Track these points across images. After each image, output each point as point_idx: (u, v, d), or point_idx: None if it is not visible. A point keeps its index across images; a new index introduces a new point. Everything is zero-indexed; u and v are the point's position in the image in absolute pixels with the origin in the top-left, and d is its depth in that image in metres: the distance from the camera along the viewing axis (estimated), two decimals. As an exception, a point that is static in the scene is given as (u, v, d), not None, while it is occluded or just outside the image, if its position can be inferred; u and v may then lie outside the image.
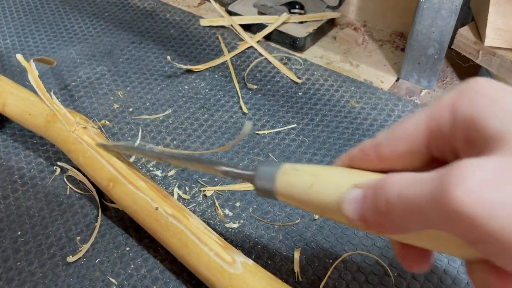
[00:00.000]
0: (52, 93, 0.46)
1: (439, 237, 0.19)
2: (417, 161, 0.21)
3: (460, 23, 0.58)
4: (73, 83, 0.61)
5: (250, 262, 0.36)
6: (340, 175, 0.22)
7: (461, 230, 0.15)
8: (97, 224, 0.44)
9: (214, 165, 0.31)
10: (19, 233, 0.44)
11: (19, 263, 0.41)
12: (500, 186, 0.14)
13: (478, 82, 0.19)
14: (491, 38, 0.52)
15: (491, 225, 0.14)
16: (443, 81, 0.63)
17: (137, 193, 0.39)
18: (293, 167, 0.25)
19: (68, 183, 0.48)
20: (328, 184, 0.22)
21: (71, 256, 0.41)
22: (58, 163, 0.48)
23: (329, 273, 0.40)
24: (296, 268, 0.40)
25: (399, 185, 0.17)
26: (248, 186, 0.47)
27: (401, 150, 0.21)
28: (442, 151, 0.20)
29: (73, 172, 0.48)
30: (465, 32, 0.55)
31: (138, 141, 0.52)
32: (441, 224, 0.16)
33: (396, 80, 0.63)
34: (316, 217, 0.44)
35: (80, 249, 0.42)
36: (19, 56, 0.45)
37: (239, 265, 0.34)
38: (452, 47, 0.57)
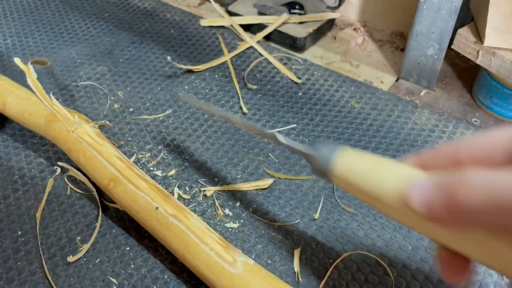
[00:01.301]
0: (51, 94, 0.46)
1: (498, 244, 0.19)
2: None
3: (460, 23, 0.58)
4: (74, 83, 0.61)
5: (251, 261, 0.36)
6: (404, 168, 0.22)
7: None
8: (97, 224, 0.44)
9: (275, 136, 0.32)
10: (19, 233, 0.44)
11: (19, 263, 0.41)
12: None
13: None
14: (491, 39, 0.52)
15: None
16: (443, 81, 0.63)
17: (137, 192, 0.39)
18: (355, 151, 0.25)
19: (68, 183, 0.48)
20: (389, 173, 0.22)
21: (71, 256, 0.41)
22: (59, 163, 0.48)
23: (329, 273, 0.40)
24: (296, 268, 0.40)
25: (482, 178, 0.17)
26: (248, 186, 0.47)
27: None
28: None
29: (73, 172, 0.48)
30: (465, 32, 0.55)
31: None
32: None
33: (396, 80, 0.63)
34: (316, 216, 0.44)
35: (80, 249, 0.42)
36: (16, 60, 0.45)
37: (240, 264, 0.34)
38: (451, 47, 0.57)
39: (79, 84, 0.61)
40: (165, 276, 0.40)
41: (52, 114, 0.45)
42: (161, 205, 0.38)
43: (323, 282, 0.39)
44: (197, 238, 0.36)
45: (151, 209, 0.38)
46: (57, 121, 0.45)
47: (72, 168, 0.48)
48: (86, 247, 0.42)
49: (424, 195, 0.19)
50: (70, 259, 0.41)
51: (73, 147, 0.43)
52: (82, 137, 0.43)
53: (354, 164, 0.24)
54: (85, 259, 0.41)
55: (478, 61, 0.54)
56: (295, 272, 0.40)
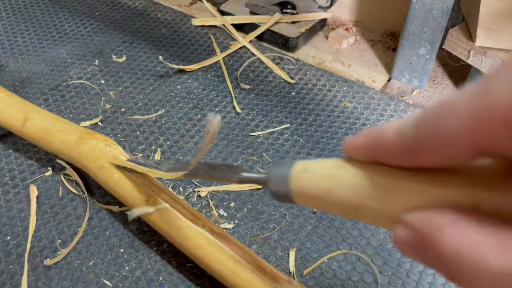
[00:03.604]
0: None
1: None
2: (456, 161, 0.17)
3: (451, 23, 0.59)
4: (64, 83, 0.60)
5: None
6: (357, 176, 0.20)
7: None
8: (90, 226, 0.43)
9: (229, 176, 0.30)
10: (11, 236, 0.43)
11: (11, 266, 0.41)
12: None
13: None
14: (482, 39, 0.53)
15: None
16: (434, 81, 0.64)
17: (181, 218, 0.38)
18: (304, 168, 0.23)
19: (64, 181, 0.47)
20: (346, 187, 0.21)
21: (64, 258, 0.41)
22: (57, 160, 0.48)
23: (324, 272, 0.40)
24: (292, 268, 0.40)
25: (457, 244, 0.15)
26: (241, 187, 0.47)
27: (439, 159, 0.17)
28: (493, 152, 0.16)
29: (70, 171, 0.47)
30: (456, 32, 0.56)
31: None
32: None
33: (388, 80, 0.64)
34: (311, 216, 0.44)
35: (73, 251, 0.41)
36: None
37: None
38: (443, 47, 0.58)
39: (70, 83, 0.60)
40: (160, 278, 0.40)
41: (86, 132, 0.44)
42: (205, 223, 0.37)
43: (318, 281, 0.39)
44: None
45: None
46: (91, 138, 0.43)
47: (69, 167, 0.47)
48: (79, 249, 0.42)
49: (406, 248, 0.18)
50: (63, 261, 0.40)
51: (106, 164, 0.41)
52: (117, 155, 0.42)
53: (311, 185, 0.22)
54: (78, 261, 0.41)
55: (469, 61, 0.55)
56: (290, 272, 0.40)
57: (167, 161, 0.40)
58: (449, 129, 0.15)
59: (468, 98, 0.14)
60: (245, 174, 0.29)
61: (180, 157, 0.50)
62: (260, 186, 0.47)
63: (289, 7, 0.71)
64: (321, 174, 0.22)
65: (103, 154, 0.42)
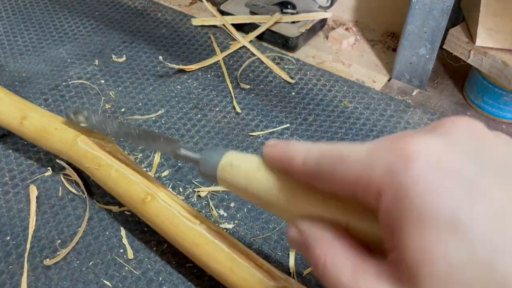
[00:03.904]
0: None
1: None
2: (341, 195, 0.21)
3: (451, 23, 0.59)
4: (64, 83, 0.60)
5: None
6: (270, 180, 0.25)
7: None
8: (90, 226, 0.43)
9: (166, 150, 0.34)
10: (10, 236, 0.43)
11: (11, 266, 0.41)
12: None
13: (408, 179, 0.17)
14: (482, 38, 0.53)
15: None
16: (435, 81, 0.64)
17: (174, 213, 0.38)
18: (230, 163, 0.28)
19: (63, 181, 0.47)
20: (259, 188, 0.25)
21: (64, 259, 0.41)
22: (57, 160, 0.48)
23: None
24: (292, 268, 0.40)
25: (325, 257, 0.20)
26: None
27: (329, 191, 0.21)
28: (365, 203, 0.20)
29: (69, 171, 0.47)
30: (456, 32, 0.56)
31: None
32: None
33: (388, 80, 0.63)
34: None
35: (73, 251, 0.41)
36: None
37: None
38: (443, 47, 0.58)
39: (69, 83, 0.60)
40: (160, 278, 0.40)
41: (84, 130, 0.44)
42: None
43: (318, 281, 0.39)
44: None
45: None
46: (88, 136, 0.43)
47: (69, 167, 0.47)
48: (79, 249, 0.41)
49: (296, 244, 0.23)
50: (63, 261, 0.40)
51: (104, 163, 0.41)
52: (114, 153, 0.42)
53: (232, 179, 0.27)
54: (78, 261, 0.41)
55: (469, 61, 0.55)
56: (290, 272, 0.40)
57: (112, 121, 0.41)
58: (338, 176, 0.20)
59: (357, 161, 0.19)
60: (181, 151, 0.33)
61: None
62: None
63: (289, 7, 0.71)
64: (241, 174, 0.27)
65: (100, 153, 0.41)
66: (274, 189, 0.25)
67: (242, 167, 0.27)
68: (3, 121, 0.47)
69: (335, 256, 0.20)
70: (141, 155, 0.51)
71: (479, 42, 0.53)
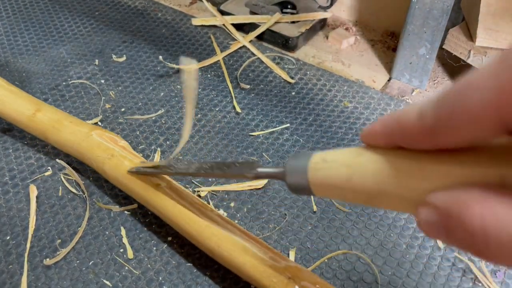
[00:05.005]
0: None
1: None
2: (479, 139, 0.16)
3: (451, 23, 0.59)
4: (64, 83, 0.60)
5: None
6: (378, 161, 0.20)
7: None
8: (90, 226, 0.43)
9: (245, 172, 0.30)
10: (10, 235, 0.43)
11: (11, 266, 0.41)
12: None
13: None
14: (482, 38, 0.53)
15: None
16: (435, 80, 0.64)
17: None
18: (323, 158, 0.23)
19: (63, 181, 0.47)
20: (366, 174, 0.20)
21: (64, 258, 0.41)
22: (57, 160, 0.48)
23: (324, 272, 0.40)
24: (292, 268, 0.40)
25: (485, 218, 0.15)
26: (242, 186, 0.47)
27: (462, 138, 0.16)
28: None
29: (69, 171, 0.47)
30: (456, 32, 0.56)
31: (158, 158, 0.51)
32: None
33: (388, 80, 0.64)
34: (311, 216, 0.44)
35: (73, 250, 0.41)
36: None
37: None
38: (443, 47, 0.58)
39: (69, 83, 0.60)
40: (160, 278, 0.40)
41: (98, 127, 0.45)
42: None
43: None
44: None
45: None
46: (104, 132, 0.45)
47: (68, 166, 0.47)
48: (79, 249, 0.42)
49: (433, 230, 0.18)
50: (63, 261, 0.40)
51: (117, 153, 0.43)
52: (127, 149, 0.44)
53: (330, 175, 0.22)
54: (78, 261, 0.41)
55: (469, 61, 0.55)
56: (290, 272, 0.40)
57: (181, 162, 0.39)
58: (472, 105, 0.14)
59: (489, 73, 0.14)
60: (260, 170, 0.29)
61: (180, 157, 0.50)
62: (260, 186, 0.47)
63: (289, 7, 0.71)
64: (341, 163, 0.22)
65: (113, 145, 0.43)
66: (385, 170, 0.19)
67: (339, 157, 0.22)
68: (15, 112, 0.48)
69: (497, 209, 0.15)
70: (141, 155, 0.51)
71: (479, 42, 0.53)
